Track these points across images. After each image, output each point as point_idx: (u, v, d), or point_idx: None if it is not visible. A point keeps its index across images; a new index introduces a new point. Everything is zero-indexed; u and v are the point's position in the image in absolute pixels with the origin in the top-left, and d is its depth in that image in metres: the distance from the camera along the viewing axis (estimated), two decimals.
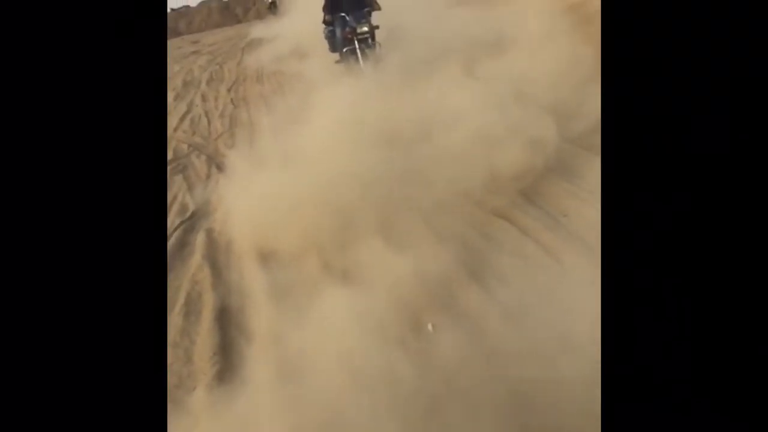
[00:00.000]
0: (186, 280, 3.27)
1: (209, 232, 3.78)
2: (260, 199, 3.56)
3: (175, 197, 4.59)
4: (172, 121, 7.02)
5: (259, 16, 23.27)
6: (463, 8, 7.52)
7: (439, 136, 3.92)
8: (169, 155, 5.65)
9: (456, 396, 1.87)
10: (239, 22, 25.48)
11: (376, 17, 6.47)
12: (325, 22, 6.63)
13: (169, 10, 28.16)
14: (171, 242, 3.76)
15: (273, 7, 21.37)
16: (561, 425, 1.77)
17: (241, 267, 3.26)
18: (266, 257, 3.23)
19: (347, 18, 6.42)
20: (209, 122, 6.85)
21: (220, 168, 4.99)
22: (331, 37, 6.76)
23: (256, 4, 26.46)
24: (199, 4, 28.64)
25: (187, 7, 28.31)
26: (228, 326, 2.74)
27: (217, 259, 3.44)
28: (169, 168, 5.22)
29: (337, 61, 6.64)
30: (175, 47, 15.46)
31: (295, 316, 2.52)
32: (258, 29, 13.70)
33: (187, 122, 7.02)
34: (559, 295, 2.26)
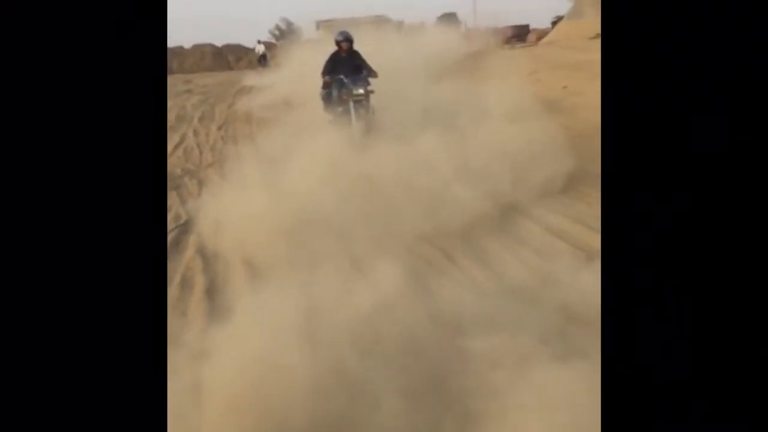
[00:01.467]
0: (182, 266, 4.16)
1: (199, 235, 4.69)
2: (240, 214, 4.50)
3: (170, 208, 5.49)
4: (169, 146, 7.97)
5: (250, 66, 24.74)
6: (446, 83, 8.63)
7: (405, 186, 4.85)
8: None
9: None
10: (230, 69, 26.96)
11: (372, 83, 6.88)
12: (324, 83, 7.02)
13: None
14: (168, 240, 4.65)
15: (263, 60, 22.61)
16: None
17: (225, 259, 4.17)
18: (244, 254, 4.15)
19: (345, 80, 6.82)
20: (200, 153, 7.81)
21: (208, 189, 5.91)
22: (326, 97, 7.15)
23: (248, 55, 28.02)
24: (193, 47, 30.20)
25: (181, 47, 29.89)
26: (213, 295, 3.63)
27: (205, 253, 4.34)
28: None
29: (330, 122, 7.00)
30: (168, 84, 16.57)
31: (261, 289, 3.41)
32: (250, 78, 14.91)
33: (180, 150, 7.97)
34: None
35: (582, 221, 4.37)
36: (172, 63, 27.74)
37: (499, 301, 3.22)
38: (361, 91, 6.70)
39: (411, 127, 6.25)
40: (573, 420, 1.95)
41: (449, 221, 4.49)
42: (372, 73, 6.90)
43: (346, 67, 6.90)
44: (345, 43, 6.92)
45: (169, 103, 12.37)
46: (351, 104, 6.69)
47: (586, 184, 5.13)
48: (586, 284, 2.99)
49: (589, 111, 7.66)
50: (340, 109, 6.88)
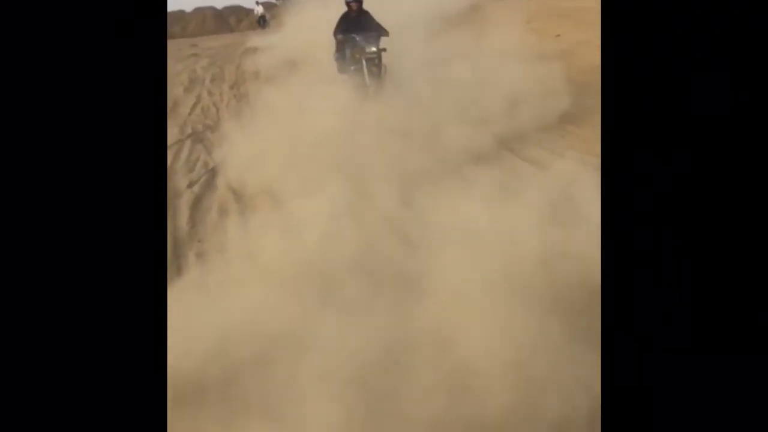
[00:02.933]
0: (216, 200, 5.10)
1: (226, 176, 5.61)
2: (258, 154, 5.42)
3: (198, 157, 6.43)
4: (186, 107, 8.88)
5: (252, 27, 25.30)
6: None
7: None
8: (188, 131, 7.51)
9: None
10: (232, 31, 27.51)
11: (383, 42, 7.20)
12: (337, 43, 7.35)
13: None
14: (201, 183, 5.59)
15: (262, 21, 23.01)
16: None
17: (250, 192, 5.09)
18: (264, 186, 5.06)
19: (357, 39, 7.13)
20: (217, 110, 8.69)
21: (229, 140, 6.81)
22: (340, 58, 7.46)
23: (249, 16, 28.51)
24: (194, 10, 30.74)
25: (183, 11, 30.45)
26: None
27: (233, 189, 5.28)
28: (190, 138, 7.08)
29: (344, 81, 7.25)
30: (174, 48, 17.28)
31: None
32: (254, 39, 15.62)
33: (198, 110, 8.86)
34: None
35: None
36: (174, 27, 28.27)
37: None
38: (374, 49, 6.98)
39: (414, 78, 7.06)
40: None
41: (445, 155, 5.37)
42: (383, 32, 7.18)
43: (357, 27, 7.19)
44: (354, 3, 7.22)
45: (179, 66, 13.19)
46: (363, 62, 6.97)
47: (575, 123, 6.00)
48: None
49: (577, 57, 8.43)
50: (353, 67, 7.15)
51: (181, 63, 13.48)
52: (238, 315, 2.85)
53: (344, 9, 7.34)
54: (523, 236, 3.24)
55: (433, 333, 2.61)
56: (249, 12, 28.88)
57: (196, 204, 5.04)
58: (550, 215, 3.48)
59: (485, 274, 2.93)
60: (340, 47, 7.29)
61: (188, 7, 30.90)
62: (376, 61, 7.03)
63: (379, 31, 7.20)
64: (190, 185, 5.52)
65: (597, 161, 3.87)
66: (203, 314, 2.86)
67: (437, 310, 2.73)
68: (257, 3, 25.35)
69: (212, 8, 30.49)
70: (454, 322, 2.64)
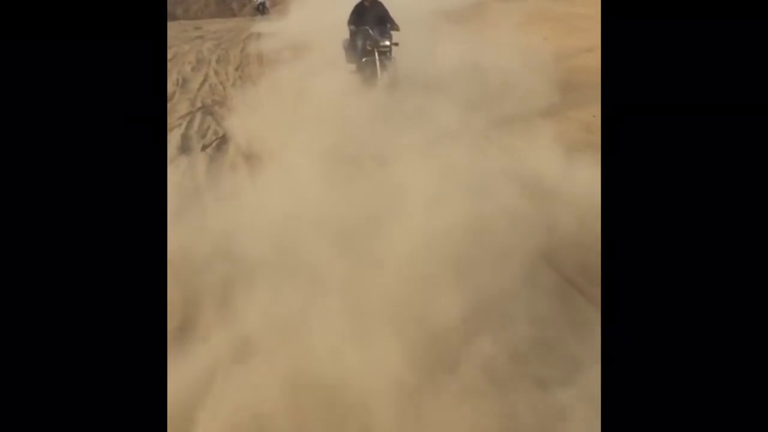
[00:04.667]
0: (228, 161, 6.00)
1: (236, 142, 6.51)
2: (261, 127, 6.32)
3: (208, 127, 7.32)
4: (195, 83, 9.78)
5: (254, 13, 26.13)
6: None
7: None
8: (198, 104, 8.40)
9: None
10: (234, 15, 28.34)
11: (394, 36, 7.54)
12: (350, 33, 7.68)
13: None
14: (212, 147, 6.49)
15: (262, 8, 23.66)
16: None
17: (257, 153, 6.00)
18: (269, 149, 5.96)
19: (371, 32, 7.40)
20: (224, 88, 9.57)
21: (236, 112, 7.71)
22: (350, 48, 7.79)
23: (251, 1, 29.40)
24: None
25: None
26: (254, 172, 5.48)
27: (242, 152, 6.18)
28: (201, 111, 7.98)
29: (353, 71, 7.72)
30: (179, 30, 18.15)
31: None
32: (258, 26, 16.51)
33: (206, 87, 9.74)
34: None
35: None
36: (176, 9, 29.07)
37: None
38: (387, 42, 7.32)
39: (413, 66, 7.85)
40: None
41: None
42: (394, 26, 7.50)
43: (370, 18, 7.49)
44: None
45: (186, 47, 14.06)
46: (376, 55, 7.30)
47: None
48: None
49: (563, 59, 9.32)
50: (364, 59, 7.46)
51: (188, 44, 14.34)
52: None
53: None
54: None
55: (398, 253, 3.52)
56: None
57: (210, 163, 5.94)
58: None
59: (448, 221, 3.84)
60: (353, 37, 7.62)
61: None
62: (389, 54, 7.36)
63: (392, 23, 7.51)
64: (203, 148, 6.42)
65: (563, 149, 4.79)
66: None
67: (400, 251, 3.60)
68: None
69: None
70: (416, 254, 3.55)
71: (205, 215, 4.26)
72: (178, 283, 3.42)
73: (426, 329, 2.92)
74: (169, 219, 3.88)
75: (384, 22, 7.50)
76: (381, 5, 7.60)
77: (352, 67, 7.79)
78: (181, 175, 5.52)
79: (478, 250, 3.52)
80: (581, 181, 4.34)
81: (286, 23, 14.81)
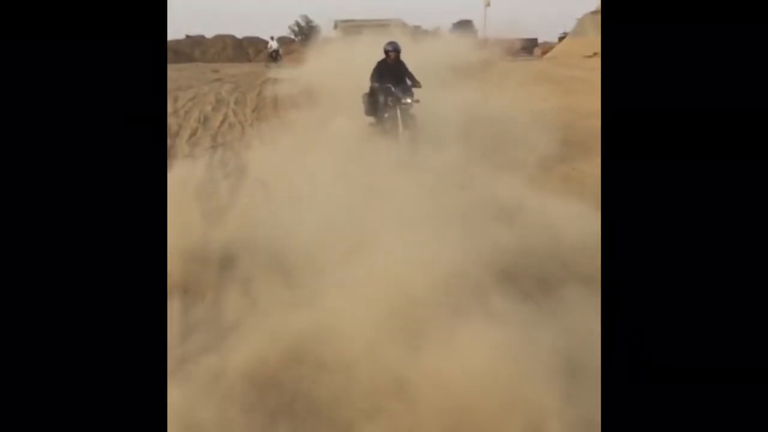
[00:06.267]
0: (246, 189, 6.91)
1: (254, 172, 7.42)
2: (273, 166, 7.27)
3: (229, 161, 8.28)
4: (215, 122, 10.86)
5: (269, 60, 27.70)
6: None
7: None
8: (219, 140, 9.41)
9: None
10: (250, 60, 29.98)
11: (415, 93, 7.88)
12: (371, 88, 8.03)
13: (184, 36, 33.06)
14: (236, 173, 7.40)
15: (276, 55, 25.10)
16: None
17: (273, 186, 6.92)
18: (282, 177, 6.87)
19: (393, 89, 7.74)
20: (242, 128, 10.61)
21: (252, 149, 8.67)
22: (370, 101, 8.13)
23: (267, 49, 31.07)
24: (215, 37, 33.33)
25: (203, 36, 32.97)
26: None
27: (258, 179, 7.09)
28: (221, 147, 8.98)
29: (372, 124, 8.10)
30: (197, 71, 19.51)
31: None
32: (273, 72, 17.79)
33: (226, 125, 10.78)
34: None
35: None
36: (194, 51, 30.74)
37: None
38: (409, 100, 7.71)
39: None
40: None
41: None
42: (416, 83, 7.88)
43: (392, 75, 7.88)
44: (393, 53, 8.01)
45: (206, 88, 15.25)
46: (398, 112, 7.70)
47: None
48: None
49: (554, 117, 10.29)
50: (386, 115, 7.86)
51: (207, 86, 15.54)
52: None
53: (355, 52, 8.93)
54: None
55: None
56: (267, 44, 31.40)
57: (233, 190, 6.83)
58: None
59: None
60: (373, 92, 8.02)
61: (209, 33, 33.71)
62: (410, 111, 7.74)
63: (413, 81, 7.90)
64: (226, 177, 7.35)
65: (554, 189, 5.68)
66: None
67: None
68: (272, 38, 27.62)
69: (232, 37, 33.07)
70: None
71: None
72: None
73: None
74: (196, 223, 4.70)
75: (406, 79, 7.93)
76: (402, 63, 8.07)
77: (370, 119, 8.30)
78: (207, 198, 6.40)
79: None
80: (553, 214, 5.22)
81: (301, 71, 16.06)
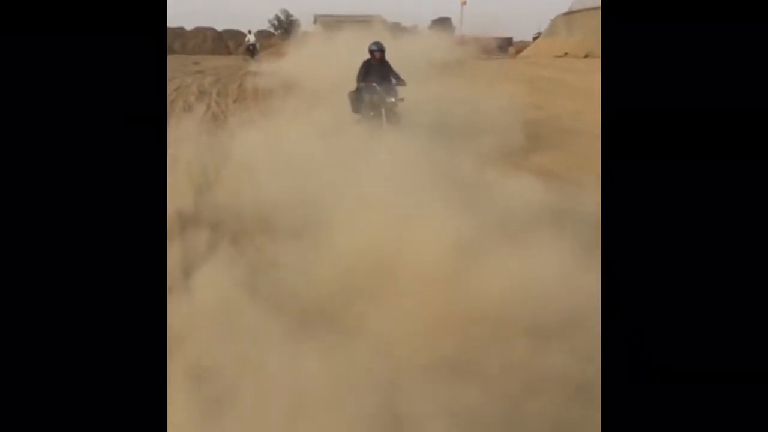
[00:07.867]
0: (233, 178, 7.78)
1: (237, 154, 8.28)
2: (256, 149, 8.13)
3: (215, 144, 9.11)
4: (199, 111, 11.66)
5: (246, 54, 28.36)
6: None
7: None
8: (203, 127, 10.25)
9: None
10: (230, 53, 30.64)
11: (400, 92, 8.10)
12: (357, 87, 8.34)
13: None
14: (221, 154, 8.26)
15: (253, 49, 25.62)
16: None
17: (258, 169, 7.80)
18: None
19: (377, 88, 8.05)
20: (225, 117, 11.44)
21: (235, 137, 9.50)
22: (356, 99, 8.44)
23: (245, 42, 31.71)
24: (195, 29, 33.87)
25: (183, 29, 33.48)
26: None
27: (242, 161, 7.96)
28: (206, 134, 9.83)
29: (358, 121, 8.38)
30: (179, 63, 20.24)
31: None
32: (254, 65, 18.60)
33: (209, 115, 11.61)
34: None
35: None
36: (174, 43, 31.32)
37: None
38: (393, 99, 8.01)
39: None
40: None
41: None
42: (400, 82, 8.17)
43: (378, 75, 8.19)
44: (378, 52, 8.31)
45: (189, 80, 16.02)
46: (383, 111, 7.98)
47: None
48: None
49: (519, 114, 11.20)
50: (372, 113, 8.17)
51: (190, 77, 16.33)
52: None
53: (335, 46, 9.57)
54: None
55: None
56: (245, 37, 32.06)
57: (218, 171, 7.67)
58: None
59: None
60: (359, 92, 8.36)
61: (188, 25, 34.23)
62: (395, 109, 8.06)
63: (398, 80, 8.20)
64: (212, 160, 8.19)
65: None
66: None
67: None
68: (249, 32, 27.90)
69: (212, 29, 33.67)
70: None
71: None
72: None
73: None
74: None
75: (391, 78, 8.24)
76: (387, 63, 8.36)
77: (357, 116, 8.62)
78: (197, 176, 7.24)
79: None
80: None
81: (281, 65, 16.88)
